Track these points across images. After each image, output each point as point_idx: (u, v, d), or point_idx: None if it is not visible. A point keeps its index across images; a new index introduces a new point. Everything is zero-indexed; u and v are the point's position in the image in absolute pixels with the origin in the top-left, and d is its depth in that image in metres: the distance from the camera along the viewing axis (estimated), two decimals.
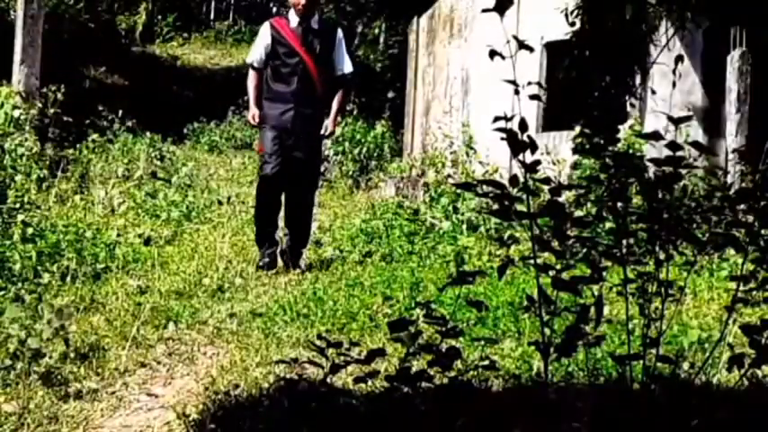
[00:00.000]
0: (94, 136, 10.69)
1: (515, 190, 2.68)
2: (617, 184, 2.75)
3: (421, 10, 13.49)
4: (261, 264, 6.23)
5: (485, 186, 2.66)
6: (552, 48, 10.32)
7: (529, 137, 2.63)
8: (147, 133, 12.53)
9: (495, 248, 6.43)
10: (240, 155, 15.04)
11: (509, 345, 4.05)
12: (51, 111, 9.62)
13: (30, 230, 5.96)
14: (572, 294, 2.71)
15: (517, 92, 2.66)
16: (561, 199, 2.75)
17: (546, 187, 2.71)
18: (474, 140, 10.31)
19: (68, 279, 5.51)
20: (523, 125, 2.63)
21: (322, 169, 8.89)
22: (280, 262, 6.32)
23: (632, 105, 9.26)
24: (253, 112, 6.37)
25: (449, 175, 10.39)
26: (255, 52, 6.43)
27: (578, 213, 4.67)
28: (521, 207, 2.65)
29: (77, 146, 10.10)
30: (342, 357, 2.76)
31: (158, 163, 11.60)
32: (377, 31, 19.73)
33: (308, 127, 6.31)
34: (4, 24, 14.60)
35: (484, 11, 2.64)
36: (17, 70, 9.99)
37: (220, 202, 9.70)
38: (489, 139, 4.06)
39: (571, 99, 9.26)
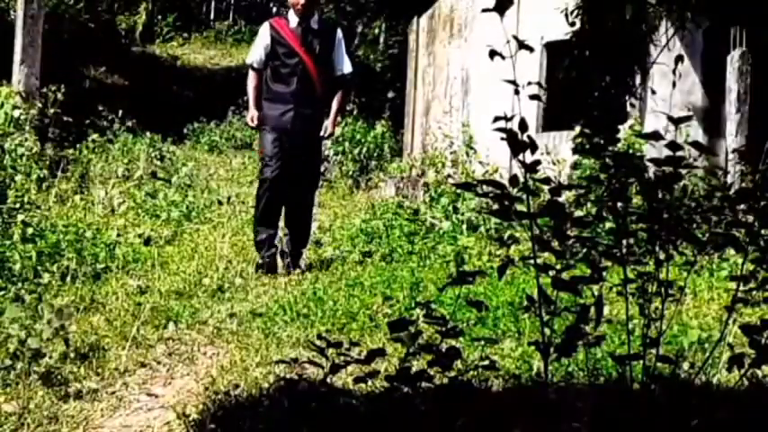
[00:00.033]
0: (94, 136, 10.69)
1: (515, 190, 2.68)
2: (617, 184, 2.75)
3: (421, 10, 13.49)
4: (260, 262, 6.21)
5: (485, 186, 2.66)
6: (552, 48, 10.31)
7: (529, 137, 2.63)
8: (147, 133, 12.52)
9: (495, 248, 6.43)
10: (240, 155, 15.04)
11: (509, 345, 4.05)
12: (51, 111, 9.62)
13: (30, 230, 5.96)
14: (572, 294, 2.71)
15: (517, 92, 2.66)
16: (561, 199, 2.75)
17: (546, 187, 2.71)
18: (474, 140, 10.31)
19: (68, 279, 5.51)
20: (523, 125, 2.63)
21: (322, 169, 8.88)
22: (280, 263, 6.31)
23: (632, 105, 9.26)
24: (251, 114, 6.36)
25: (449, 175, 10.39)
26: (255, 53, 6.41)
27: (578, 213, 4.67)
28: (521, 207, 2.65)
29: (77, 146, 10.10)
30: (342, 357, 2.76)
31: (158, 163, 11.59)
32: (377, 31, 19.73)
33: (307, 127, 6.30)
34: (4, 24, 14.60)
35: (484, 11, 2.64)
36: (17, 70, 9.99)
37: (220, 202, 9.69)
38: (489, 139, 4.06)
39: (571, 99, 9.26)
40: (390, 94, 17.71)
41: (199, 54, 23.36)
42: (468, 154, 10.27)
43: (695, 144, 2.92)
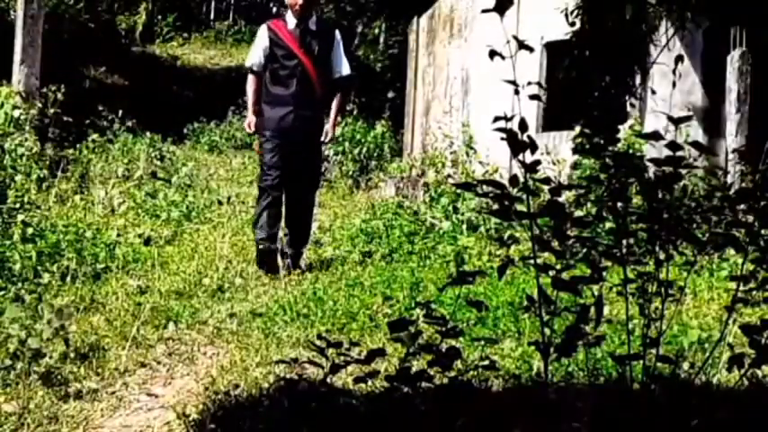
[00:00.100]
0: (94, 136, 10.68)
1: (515, 190, 2.68)
2: (617, 184, 2.75)
3: (421, 10, 13.48)
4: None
5: (485, 186, 2.66)
6: (552, 48, 10.31)
7: (529, 137, 2.63)
8: (147, 133, 12.52)
9: (495, 248, 6.43)
10: (240, 155, 15.04)
11: (509, 345, 4.05)
12: (51, 111, 9.61)
13: (30, 230, 5.97)
14: (572, 294, 2.71)
15: (517, 92, 2.66)
16: (561, 199, 2.75)
17: (546, 187, 2.71)
18: (474, 140, 10.30)
19: (68, 279, 5.51)
20: (523, 125, 2.63)
21: (322, 169, 8.88)
22: (280, 263, 6.31)
23: (632, 105, 9.26)
24: (249, 120, 6.33)
25: (449, 175, 10.39)
26: (254, 56, 6.35)
27: (578, 213, 4.67)
28: (521, 207, 2.65)
29: (77, 146, 10.10)
30: (342, 357, 2.76)
31: (158, 163, 11.59)
32: (377, 31, 19.72)
33: (308, 129, 6.28)
34: (4, 24, 14.59)
35: (484, 11, 2.64)
36: (17, 70, 9.99)
37: (220, 202, 9.69)
38: (489, 139, 4.06)
39: (571, 99, 9.25)
40: (390, 94, 17.71)
41: (199, 54, 23.35)
42: (468, 154, 10.27)
43: (695, 144, 2.92)
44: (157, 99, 17.78)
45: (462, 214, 7.73)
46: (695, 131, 8.68)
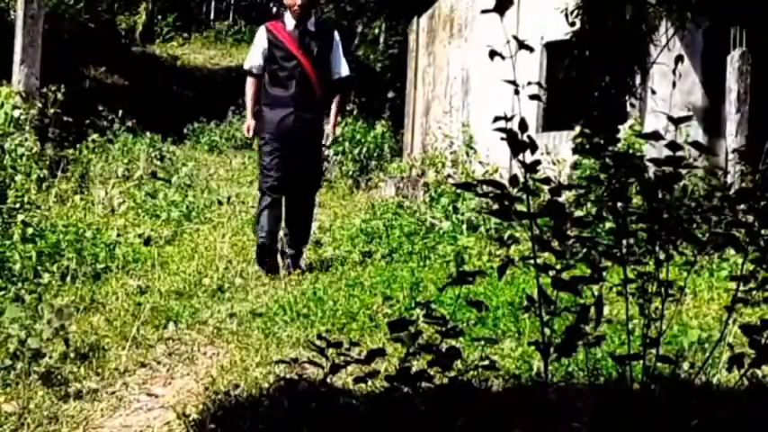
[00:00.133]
0: (94, 136, 10.68)
1: (515, 190, 2.68)
2: (617, 184, 2.75)
3: (421, 10, 13.48)
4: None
5: (485, 186, 2.66)
6: (552, 48, 10.31)
7: (529, 137, 2.63)
8: (147, 133, 12.51)
9: (495, 248, 6.43)
10: (240, 155, 15.03)
11: (509, 345, 4.05)
12: (51, 111, 9.61)
13: (30, 230, 5.97)
14: (572, 294, 2.71)
15: (517, 92, 2.66)
16: (561, 199, 2.75)
17: (546, 187, 2.71)
18: (474, 140, 10.30)
19: (68, 279, 5.51)
20: (523, 125, 2.63)
21: (323, 170, 8.88)
22: (280, 263, 6.31)
23: (632, 105, 9.26)
24: (248, 124, 6.32)
25: (449, 175, 10.39)
26: (253, 58, 6.31)
27: (578, 213, 4.67)
28: (521, 207, 2.65)
29: (77, 146, 10.10)
30: (342, 357, 2.76)
31: (158, 163, 11.59)
32: (377, 31, 19.71)
33: (308, 130, 6.26)
34: (4, 24, 14.59)
35: (484, 11, 2.64)
36: (17, 70, 9.99)
37: (220, 202, 9.69)
38: (489, 139, 4.06)
39: (571, 99, 9.25)
40: (390, 94, 17.70)
41: (199, 54, 23.34)
42: (468, 154, 10.27)
43: (695, 144, 2.92)
44: (157, 99, 17.78)
45: (462, 214, 7.73)
46: (695, 131, 8.68)
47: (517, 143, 2.61)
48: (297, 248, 6.35)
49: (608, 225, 3.93)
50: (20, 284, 5.02)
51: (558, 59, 10.05)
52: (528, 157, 2.63)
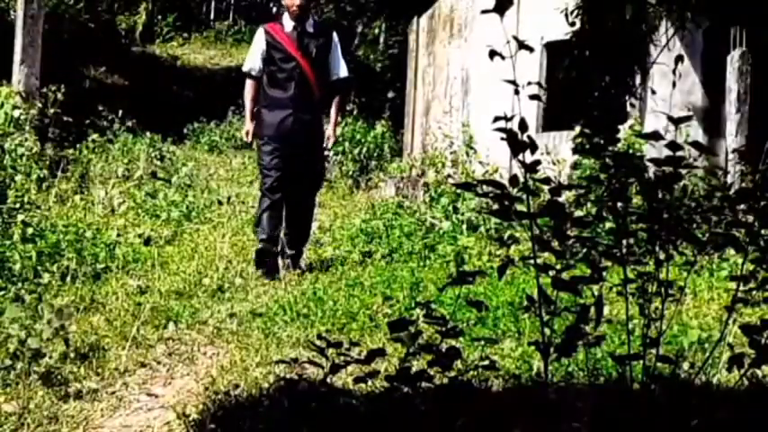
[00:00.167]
0: (94, 136, 10.68)
1: (515, 190, 2.68)
2: (617, 184, 2.75)
3: (421, 10, 13.48)
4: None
5: (485, 186, 2.66)
6: (552, 48, 10.31)
7: (529, 137, 2.63)
8: (147, 133, 12.51)
9: (495, 248, 6.43)
10: (240, 155, 15.03)
11: (509, 345, 4.05)
12: (51, 111, 9.61)
13: (30, 230, 5.97)
14: (572, 294, 2.71)
15: (517, 92, 2.66)
16: (561, 199, 2.75)
17: (546, 187, 2.71)
18: (474, 140, 10.30)
19: (68, 279, 5.51)
20: (523, 125, 2.63)
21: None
22: (280, 263, 6.31)
23: (632, 105, 9.26)
24: (247, 128, 6.30)
25: (449, 175, 10.39)
26: (252, 60, 6.29)
27: (578, 213, 4.67)
28: (521, 207, 2.65)
29: (77, 146, 10.10)
30: (342, 357, 2.76)
31: (158, 163, 11.59)
32: (377, 31, 19.71)
33: (307, 131, 6.24)
34: (4, 24, 14.59)
35: (484, 11, 2.64)
36: (17, 70, 9.99)
37: (220, 202, 9.69)
38: (489, 139, 4.06)
39: (571, 99, 9.25)
40: (390, 94, 17.70)
41: (199, 54, 23.34)
42: (468, 154, 10.27)
43: (695, 144, 2.92)
44: (157, 99, 17.77)
45: (462, 214, 7.73)
46: (695, 131, 8.68)
47: (517, 143, 2.61)
48: (297, 248, 6.36)
49: (608, 225, 3.93)
50: (20, 284, 5.02)
51: (558, 59, 10.05)
52: (528, 157, 2.63)
